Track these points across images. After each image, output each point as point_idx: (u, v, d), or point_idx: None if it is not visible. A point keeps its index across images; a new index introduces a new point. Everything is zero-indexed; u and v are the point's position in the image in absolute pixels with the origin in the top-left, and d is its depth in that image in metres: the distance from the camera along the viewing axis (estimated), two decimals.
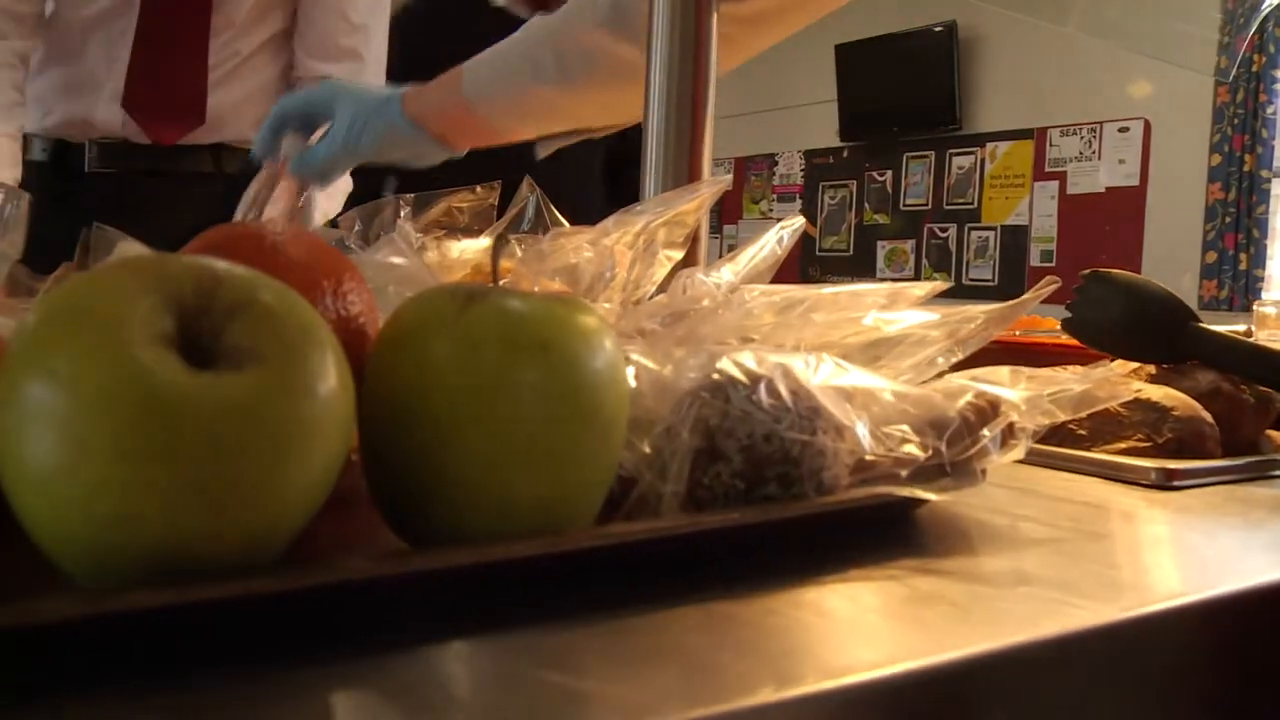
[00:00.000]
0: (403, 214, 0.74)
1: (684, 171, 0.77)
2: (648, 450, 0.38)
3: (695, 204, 0.66)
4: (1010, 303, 0.57)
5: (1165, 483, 0.61)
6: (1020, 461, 0.52)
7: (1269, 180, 4.14)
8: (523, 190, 0.83)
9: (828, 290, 0.56)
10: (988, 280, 5.20)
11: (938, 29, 5.21)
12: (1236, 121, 4.12)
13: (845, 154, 5.81)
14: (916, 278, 5.26)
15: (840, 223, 5.84)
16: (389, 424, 0.34)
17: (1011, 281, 5.04)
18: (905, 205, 5.58)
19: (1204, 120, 4.30)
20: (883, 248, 5.67)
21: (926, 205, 5.48)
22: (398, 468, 0.34)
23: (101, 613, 0.26)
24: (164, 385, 0.27)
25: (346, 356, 0.36)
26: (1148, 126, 4.65)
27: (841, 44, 5.43)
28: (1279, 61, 4.06)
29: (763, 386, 0.40)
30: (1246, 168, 4.12)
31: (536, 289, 0.62)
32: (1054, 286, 0.58)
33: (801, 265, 5.81)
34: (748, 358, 0.41)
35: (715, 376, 0.39)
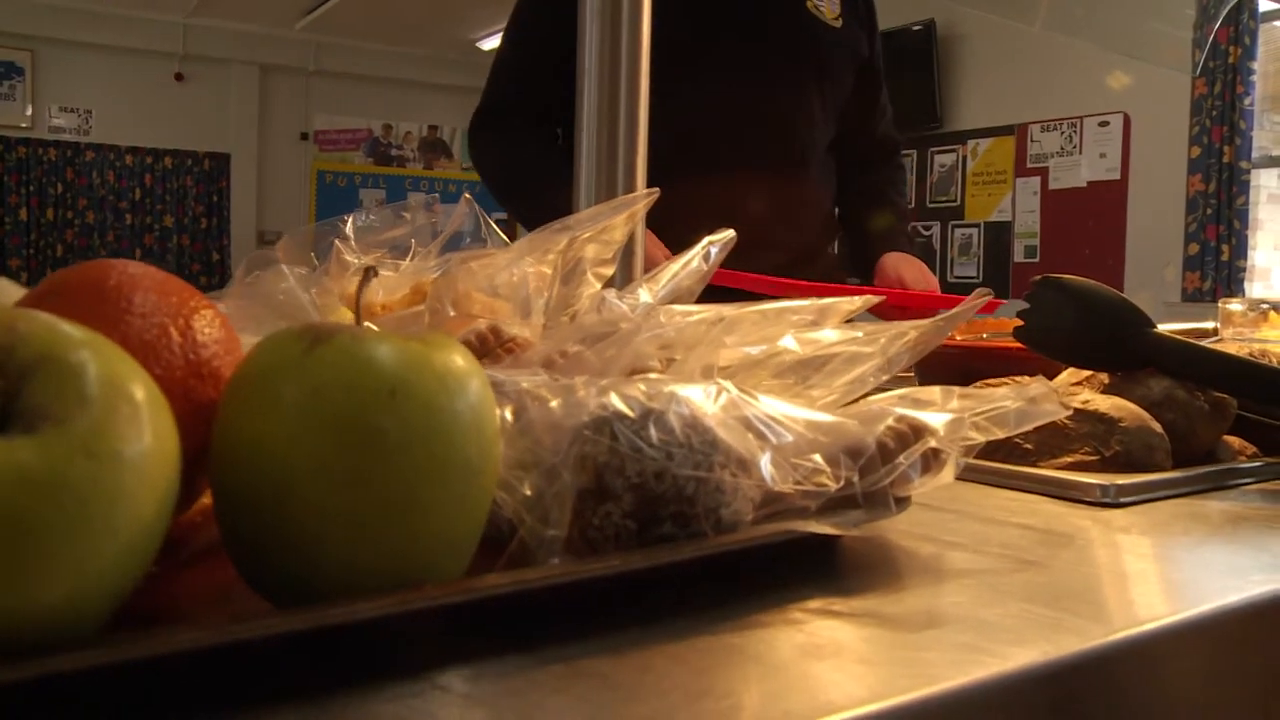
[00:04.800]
0: (348, 230, 0.71)
1: (618, 183, 0.74)
2: (528, 492, 0.36)
3: (624, 217, 0.63)
4: (942, 316, 0.54)
5: (1112, 499, 0.58)
6: (961, 479, 0.49)
7: (1248, 171, 4.12)
8: (460, 208, 0.80)
9: (751, 308, 0.53)
10: (972, 278, 5.18)
11: (916, 28, 5.19)
12: (1215, 113, 4.10)
13: None
14: None
15: None
16: (236, 474, 0.32)
17: (996, 278, 5.01)
18: None
19: (1183, 113, 4.29)
20: None
21: (909, 203, 5.46)
22: (245, 520, 0.32)
23: None
24: None
25: (198, 402, 0.34)
26: (1127, 120, 4.64)
27: None
28: (1255, 53, 4.04)
29: (652, 421, 0.37)
30: (1226, 159, 4.11)
31: (454, 314, 0.59)
32: (986, 298, 0.55)
33: None
34: (638, 390, 0.38)
35: (600, 412, 0.37)
